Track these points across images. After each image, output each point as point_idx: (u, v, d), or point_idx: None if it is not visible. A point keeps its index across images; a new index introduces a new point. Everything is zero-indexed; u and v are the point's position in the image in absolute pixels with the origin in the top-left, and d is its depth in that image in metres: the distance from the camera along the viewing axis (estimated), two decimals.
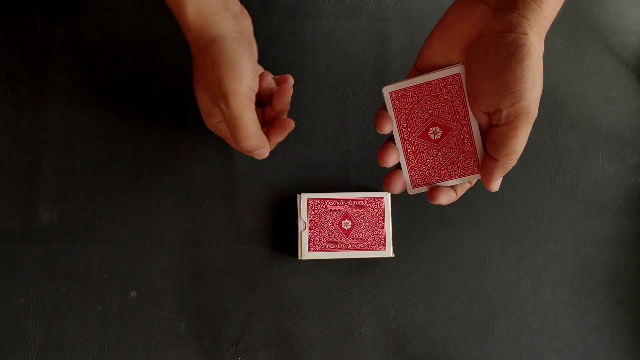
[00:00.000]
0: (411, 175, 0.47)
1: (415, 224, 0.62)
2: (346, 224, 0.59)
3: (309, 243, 0.59)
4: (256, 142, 0.48)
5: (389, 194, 0.60)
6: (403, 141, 0.47)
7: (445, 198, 0.47)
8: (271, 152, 0.62)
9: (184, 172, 0.61)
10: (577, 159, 0.64)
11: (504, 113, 0.40)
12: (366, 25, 0.64)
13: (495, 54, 0.40)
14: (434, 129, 0.46)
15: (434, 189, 0.47)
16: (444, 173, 0.47)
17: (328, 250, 0.59)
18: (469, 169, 0.46)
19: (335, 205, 0.60)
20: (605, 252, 0.63)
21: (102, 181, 0.60)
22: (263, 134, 0.49)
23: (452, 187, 0.47)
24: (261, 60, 0.62)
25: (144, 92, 0.61)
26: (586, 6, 0.66)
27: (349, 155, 0.62)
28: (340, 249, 0.59)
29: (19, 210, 0.59)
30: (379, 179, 0.62)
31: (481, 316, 0.62)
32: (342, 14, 0.64)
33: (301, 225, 0.59)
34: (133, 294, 0.59)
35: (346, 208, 0.60)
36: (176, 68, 0.62)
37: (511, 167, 0.43)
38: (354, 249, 0.60)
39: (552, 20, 0.41)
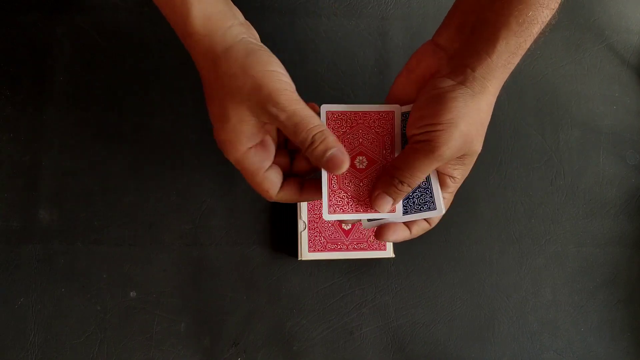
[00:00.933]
0: (329, 200, 0.45)
1: None
2: (346, 224, 0.59)
3: (309, 243, 0.59)
4: (324, 129, 0.42)
5: None
6: None
7: (395, 236, 0.46)
8: None
9: (184, 172, 0.61)
10: (577, 159, 0.64)
11: (412, 138, 0.42)
12: (366, 25, 0.64)
13: (430, 92, 0.42)
14: (360, 157, 0.46)
15: (382, 227, 0.46)
16: (361, 205, 0.46)
17: (328, 251, 0.59)
18: None
19: None
20: (605, 252, 0.63)
21: (102, 181, 0.60)
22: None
23: (406, 224, 0.46)
24: None
25: (143, 92, 0.61)
26: (586, 6, 0.66)
27: None
28: (340, 249, 0.59)
29: (19, 210, 0.59)
30: None
31: (481, 316, 0.62)
32: (342, 13, 0.64)
33: (301, 225, 0.59)
34: (133, 294, 0.59)
35: None
36: (176, 68, 0.62)
37: (396, 195, 0.43)
38: (354, 249, 0.59)
39: (508, 69, 0.42)
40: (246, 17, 0.63)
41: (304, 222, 0.59)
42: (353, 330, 0.61)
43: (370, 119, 0.46)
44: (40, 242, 0.59)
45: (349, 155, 0.43)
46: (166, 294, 0.59)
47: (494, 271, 0.62)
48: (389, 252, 0.60)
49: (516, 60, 0.42)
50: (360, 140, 0.46)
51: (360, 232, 0.60)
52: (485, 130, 0.43)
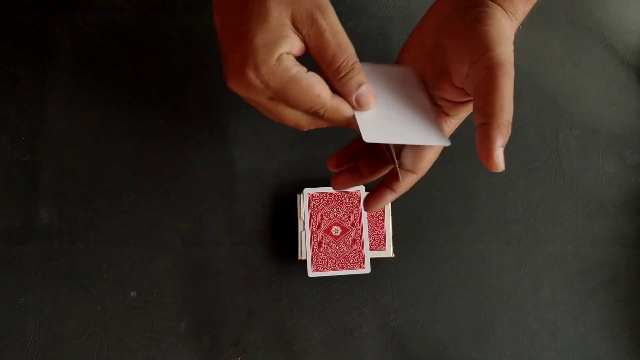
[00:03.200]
0: (313, 261, 0.59)
1: (415, 224, 0.62)
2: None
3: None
4: (354, 55, 0.39)
5: None
6: (311, 232, 0.59)
7: (381, 204, 0.45)
8: (271, 152, 0.62)
9: (184, 172, 0.61)
10: (577, 159, 0.64)
11: (476, 69, 0.37)
12: (366, 25, 0.64)
13: (459, 24, 0.39)
14: (335, 227, 0.59)
15: (367, 200, 0.46)
16: (338, 264, 0.59)
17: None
18: (357, 264, 0.59)
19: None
20: (605, 252, 0.63)
21: (102, 181, 0.60)
22: None
23: (388, 185, 0.46)
24: None
25: (144, 92, 0.61)
26: (586, 6, 0.66)
27: None
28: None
29: (19, 210, 0.59)
30: (379, 179, 0.62)
31: (481, 316, 0.62)
32: (342, 13, 0.63)
33: (301, 225, 0.60)
34: (133, 294, 0.59)
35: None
36: (177, 68, 0.62)
37: (507, 133, 0.37)
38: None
39: (523, 10, 0.40)
40: None
41: (304, 221, 0.59)
42: (353, 330, 0.61)
43: (342, 197, 0.59)
44: (40, 242, 0.59)
45: (326, 226, 0.58)
46: (166, 293, 0.59)
47: (494, 271, 0.62)
48: (388, 252, 0.60)
49: (530, 2, 0.40)
50: (335, 213, 0.59)
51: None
52: None
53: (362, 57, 0.63)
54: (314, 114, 0.39)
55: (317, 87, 0.38)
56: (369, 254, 0.59)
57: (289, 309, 0.60)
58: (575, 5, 0.66)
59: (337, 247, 0.59)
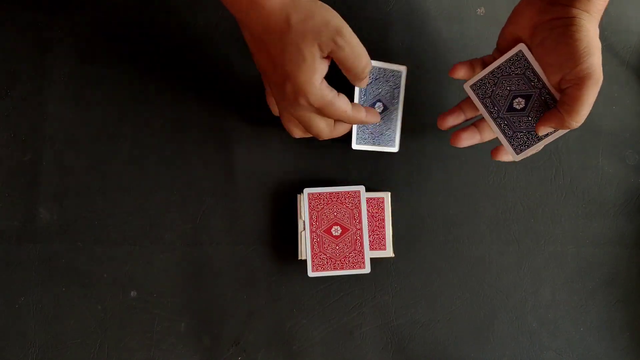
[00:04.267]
0: (313, 261, 0.59)
1: (415, 224, 0.62)
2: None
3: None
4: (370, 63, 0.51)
5: (389, 194, 0.60)
6: (311, 232, 0.59)
7: (468, 141, 0.56)
8: (271, 152, 0.62)
9: (184, 172, 0.61)
10: (577, 159, 0.64)
11: (568, 77, 0.48)
12: (366, 25, 0.64)
13: (549, 37, 0.49)
14: (335, 227, 0.59)
15: (456, 134, 0.56)
16: (338, 263, 0.59)
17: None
18: (357, 264, 0.59)
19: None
20: (605, 252, 0.63)
21: (103, 181, 0.60)
22: None
23: (477, 128, 0.56)
24: None
25: (143, 92, 0.61)
26: None
27: (350, 155, 0.62)
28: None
29: (19, 210, 0.59)
30: (379, 179, 0.62)
31: (481, 316, 0.62)
32: (342, 14, 0.64)
33: (301, 225, 0.60)
34: (133, 294, 0.59)
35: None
36: (177, 67, 0.62)
37: (569, 128, 0.50)
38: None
39: (604, 2, 0.48)
40: None
41: (304, 222, 0.59)
42: (353, 330, 0.61)
43: (342, 197, 0.59)
44: (40, 241, 0.59)
45: (326, 226, 0.59)
46: (166, 293, 0.59)
47: (494, 271, 0.62)
48: (388, 252, 0.60)
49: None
50: (335, 213, 0.59)
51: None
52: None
53: None
54: (339, 121, 0.52)
55: (344, 106, 0.50)
56: (369, 254, 0.59)
57: (289, 309, 0.60)
58: None
59: (337, 247, 0.59)
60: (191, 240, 0.60)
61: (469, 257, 0.62)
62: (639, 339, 0.63)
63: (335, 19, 0.47)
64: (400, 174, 0.62)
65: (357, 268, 0.59)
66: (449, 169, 0.63)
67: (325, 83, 0.49)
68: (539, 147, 0.53)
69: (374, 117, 0.55)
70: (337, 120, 0.52)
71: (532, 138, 0.53)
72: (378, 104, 0.60)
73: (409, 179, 0.62)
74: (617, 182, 0.64)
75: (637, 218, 0.64)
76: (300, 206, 0.60)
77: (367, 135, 0.60)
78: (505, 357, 0.61)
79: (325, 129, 0.52)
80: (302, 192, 0.59)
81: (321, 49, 0.47)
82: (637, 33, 0.66)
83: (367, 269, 0.59)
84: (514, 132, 0.52)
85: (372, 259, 0.60)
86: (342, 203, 0.59)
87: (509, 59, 0.51)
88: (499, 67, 0.52)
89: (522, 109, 0.52)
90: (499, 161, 0.63)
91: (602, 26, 0.66)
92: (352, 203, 0.59)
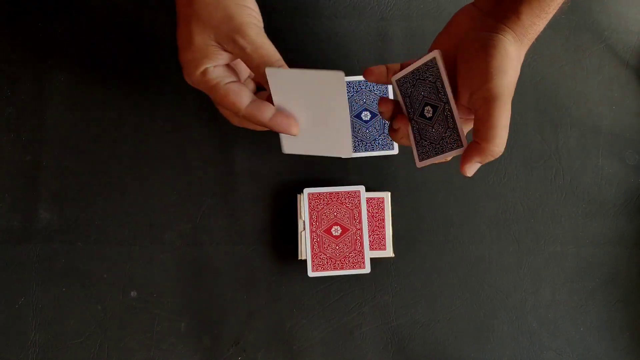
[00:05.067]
0: (313, 261, 0.59)
1: (415, 224, 0.62)
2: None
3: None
4: (284, 65, 0.46)
5: (389, 194, 0.60)
6: (311, 232, 0.59)
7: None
8: (271, 152, 0.62)
9: (184, 172, 0.61)
10: (577, 159, 0.64)
11: (475, 96, 0.44)
12: (366, 25, 0.64)
13: (469, 49, 0.45)
14: (335, 227, 0.59)
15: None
16: (338, 264, 0.59)
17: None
18: (357, 264, 0.59)
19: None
20: (605, 252, 0.63)
21: (102, 181, 0.60)
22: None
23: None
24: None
25: (143, 92, 0.61)
26: (586, 6, 0.66)
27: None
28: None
29: (19, 210, 0.59)
30: (379, 179, 0.62)
31: (481, 316, 0.62)
32: (342, 14, 0.64)
33: (301, 225, 0.60)
34: (133, 294, 0.59)
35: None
36: (176, 68, 0.62)
37: (491, 158, 0.44)
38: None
39: (535, 30, 0.45)
40: None
41: (304, 222, 0.59)
42: (353, 329, 0.61)
43: (342, 197, 0.59)
44: (40, 242, 0.59)
45: (326, 226, 0.59)
46: (166, 293, 0.59)
47: (494, 271, 0.62)
48: (388, 252, 0.60)
49: (540, 22, 0.45)
50: (335, 214, 0.59)
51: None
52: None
53: (362, 57, 0.63)
54: (237, 115, 0.47)
55: (231, 97, 0.46)
56: (369, 254, 0.59)
57: (289, 309, 0.60)
58: (575, 5, 0.66)
59: (337, 247, 0.59)
60: (191, 240, 0.60)
61: (469, 257, 0.62)
62: (639, 339, 0.63)
63: (240, 17, 0.44)
64: (400, 174, 0.62)
65: (357, 268, 0.59)
66: (449, 169, 0.63)
67: (220, 70, 0.46)
68: (440, 159, 0.49)
69: (286, 126, 0.47)
70: (230, 111, 0.47)
71: (433, 150, 0.49)
72: (365, 112, 0.61)
73: (409, 179, 0.62)
74: (617, 182, 0.64)
75: (637, 218, 0.64)
76: (300, 206, 0.60)
77: (357, 143, 0.60)
78: (505, 357, 0.61)
79: (230, 115, 0.50)
80: (302, 192, 0.59)
81: (219, 43, 0.45)
82: (637, 33, 0.66)
83: (367, 269, 0.59)
84: (422, 139, 0.49)
85: (372, 259, 0.60)
86: (342, 203, 0.59)
87: (424, 64, 0.47)
88: (417, 69, 0.48)
89: (430, 118, 0.48)
90: (499, 162, 0.63)
91: (601, 27, 0.66)
92: (352, 203, 0.59)
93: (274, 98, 0.47)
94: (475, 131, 0.44)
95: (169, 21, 0.62)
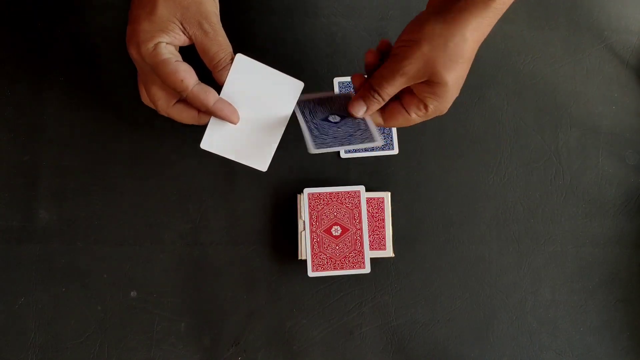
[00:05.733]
0: (313, 261, 0.59)
1: (415, 224, 0.62)
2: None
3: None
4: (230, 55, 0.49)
5: (389, 194, 0.60)
6: (311, 232, 0.59)
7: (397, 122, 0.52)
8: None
9: (184, 172, 0.61)
10: (577, 159, 0.64)
11: (390, 53, 0.49)
12: (366, 25, 0.64)
13: (411, 21, 0.49)
14: (335, 227, 0.59)
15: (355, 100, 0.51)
16: (338, 264, 0.59)
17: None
18: (357, 264, 0.59)
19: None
20: (605, 252, 0.63)
21: (102, 181, 0.60)
22: None
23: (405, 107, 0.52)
24: (260, 60, 0.62)
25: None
26: (586, 6, 0.66)
27: (350, 155, 0.62)
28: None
29: (19, 210, 0.59)
30: (379, 179, 0.62)
31: (481, 316, 0.62)
32: (341, 13, 0.64)
33: (301, 225, 0.60)
34: (133, 294, 0.59)
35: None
36: None
37: (370, 102, 0.49)
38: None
39: (484, 18, 0.45)
40: (246, 17, 0.63)
41: (304, 222, 0.59)
42: (353, 329, 0.61)
43: (342, 197, 0.59)
44: (40, 242, 0.59)
45: (326, 226, 0.59)
46: (166, 293, 0.59)
47: (494, 271, 0.62)
48: (388, 252, 0.60)
49: (490, 14, 0.45)
50: (335, 213, 0.59)
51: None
52: (463, 72, 0.47)
53: (362, 57, 0.63)
54: (180, 95, 0.48)
55: (181, 74, 0.47)
56: (369, 254, 0.59)
57: (289, 309, 0.60)
58: (575, 5, 0.66)
59: (337, 247, 0.59)
60: (191, 240, 0.60)
61: (469, 257, 0.62)
62: (639, 339, 0.63)
63: (209, 4, 0.47)
64: (400, 174, 0.62)
65: (357, 268, 0.59)
66: (449, 169, 0.63)
67: (171, 48, 0.47)
68: (335, 149, 0.52)
69: (228, 113, 0.49)
70: (174, 89, 0.48)
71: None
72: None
73: (409, 179, 0.62)
74: (617, 182, 0.64)
75: (637, 218, 0.64)
76: (300, 206, 0.60)
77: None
78: (505, 357, 0.61)
79: (160, 98, 0.49)
80: (302, 192, 0.59)
81: (183, 23, 0.46)
82: (637, 33, 0.66)
83: (367, 269, 0.59)
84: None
85: (372, 259, 0.60)
86: (342, 203, 0.59)
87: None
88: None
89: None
90: (499, 162, 0.63)
91: (601, 27, 0.66)
92: (352, 203, 0.59)
93: (226, 86, 0.49)
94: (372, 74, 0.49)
95: None
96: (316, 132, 0.54)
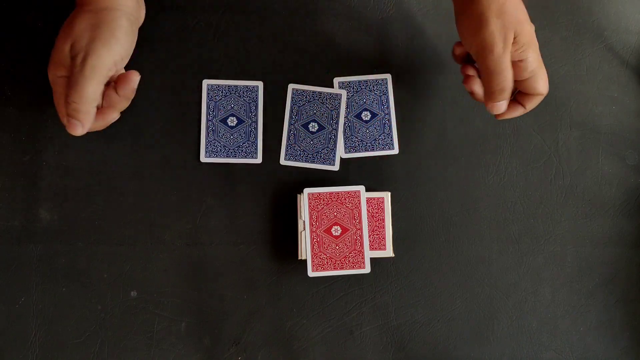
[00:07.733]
0: (313, 261, 0.59)
1: (415, 224, 0.62)
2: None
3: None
4: (91, 115, 0.51)
5: (389, 194, 0.60)
6: (311, 232, 0.59)
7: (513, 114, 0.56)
8: (271, 153, 0.62)
9: (184, 172, 0.61)
10: (577, 159, 0.64)
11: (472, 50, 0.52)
12: (366, 25, 0.64)
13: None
14: (335, 227, 0.59)
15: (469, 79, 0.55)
16: (338, 264, 0.59)
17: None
18: (357, 264, 0.59)
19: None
20: (605, 252, 0.63)
21: (102, 181, 0.60)
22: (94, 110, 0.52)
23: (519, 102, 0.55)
24: (260, 60, 0.62)
25: (143, 92, 0.61)
26: (586, 6, 0.66)
27: (350, 155, 0.62)
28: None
29: (19, 210, 0.59)
30: (379, 179, 0.62)
31: (481, 316, 0.62)
32: (342, 13, 0.64)
33: (301, 225, 0.60)
34: (133, 294, 0.59)
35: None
36: (175, 67, 0.62)
37: (501, 96, 0.52)
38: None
39: None
40: (246, 19, 0.63)
41: (304, 222, 0.59)
42: (353, 329, 0.61)
43: (342, 197, 0.59)
44: (40, 242, 0.59)
45: (326, 226, 0.59)
46: (166, 293, 0.60)
47: (493, 271, 0.62)
48: (388, 252, 0.60)
49: None
50: (335, 213, 0.59)
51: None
52: (526, 12, 0.52)
53: (362, 57, 0.63)
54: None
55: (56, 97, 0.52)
56: (369, 254, 0.59)
57: (289, 309, 0.60)
58: (575, 5, 0.66)
59: (337, 247, 0.59)
60: (191, 240, 0.60)
61: (469, 257, 0.62)
62: (639, 339, 0.63)
63: (103, 52, 0.50)
64: (400, 174, 0.62)
65: (357, 268, 0.59)
66: (449, 169, 0.63)
67: (53, 74, 0.52)
68: (299, 164, 0.58)
69: (69, 124, 0.51)
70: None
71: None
72: (365, 112, 0.61)
73: (409, 179, 0.62)
74: (617, 182, 0.64)
75: (637, 218, 0.64)
76: (300, 206, 0.60)
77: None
78: (505, 357, 0.61)
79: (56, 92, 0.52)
80: (302, 192, 0.59)
81: (71, 54, 0.50)
82: (637, 33, 0.66)
83: (367, 269, 0.59)
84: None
85: (372, 259, 0.60)
86: (342, 203, 0.59)
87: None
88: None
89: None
90: (499, 162, 0.63)
91: (601, 27, 0.66)
92: (352, 203, 0.59)
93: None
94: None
95: (169, 21, 0.62)
96: (292, 140, 0.57)
